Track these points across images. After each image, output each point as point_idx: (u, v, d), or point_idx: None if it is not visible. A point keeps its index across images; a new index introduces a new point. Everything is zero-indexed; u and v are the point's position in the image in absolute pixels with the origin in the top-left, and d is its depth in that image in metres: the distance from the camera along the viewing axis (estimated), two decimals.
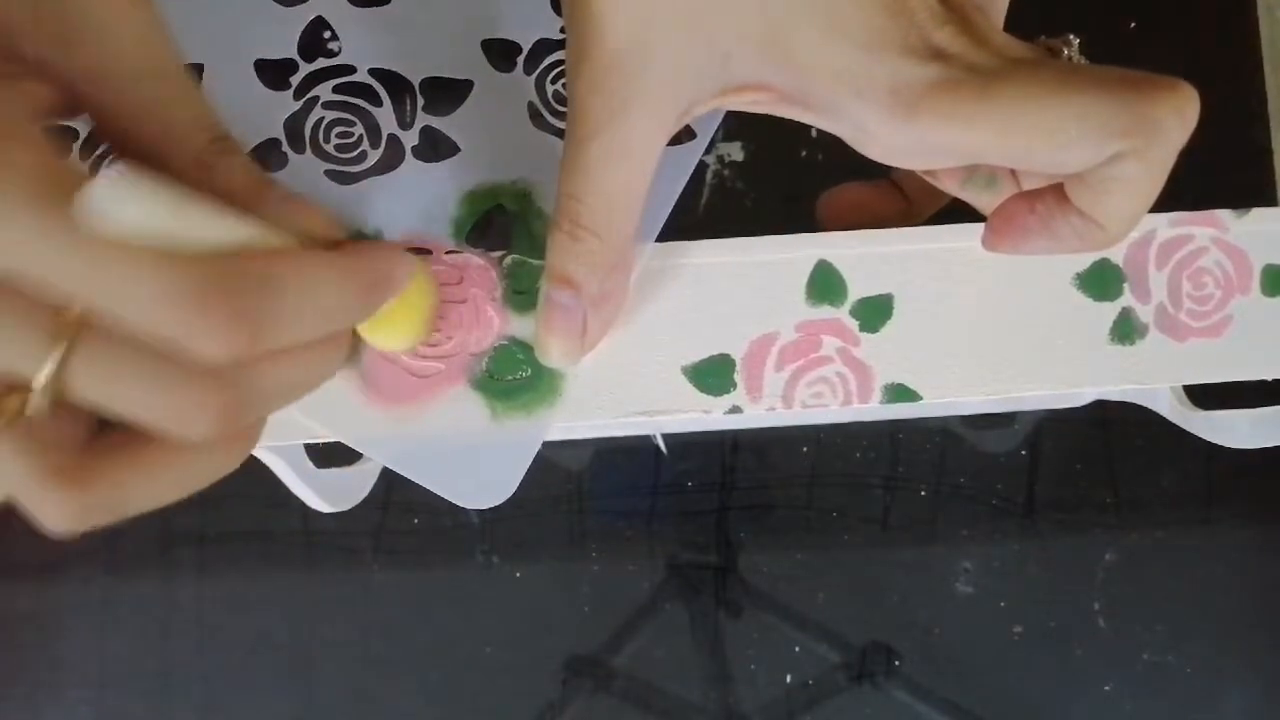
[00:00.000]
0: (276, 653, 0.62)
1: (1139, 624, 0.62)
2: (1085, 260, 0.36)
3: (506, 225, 0.35)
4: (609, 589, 0.62)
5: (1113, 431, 0.63)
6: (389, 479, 0.60)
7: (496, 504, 0.34)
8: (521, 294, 0.34)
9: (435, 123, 0.36)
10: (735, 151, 0.63)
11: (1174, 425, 0.57)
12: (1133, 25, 0.64)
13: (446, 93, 0.36)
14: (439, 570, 0.62)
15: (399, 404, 0.34)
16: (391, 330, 0.30)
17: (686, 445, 0.63)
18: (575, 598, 0.62)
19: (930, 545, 0.63)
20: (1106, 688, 0.62)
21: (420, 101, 0.36)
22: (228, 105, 0.27)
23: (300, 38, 0.36)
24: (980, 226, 0.32)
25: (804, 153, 0.63)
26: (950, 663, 0.62)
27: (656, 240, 0.36)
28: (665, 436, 0.63)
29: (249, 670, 0.62)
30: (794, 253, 0.36)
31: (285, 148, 0.36)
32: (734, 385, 0.36)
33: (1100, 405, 0.63)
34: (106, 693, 0.62)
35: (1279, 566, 0.63)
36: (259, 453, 0.41)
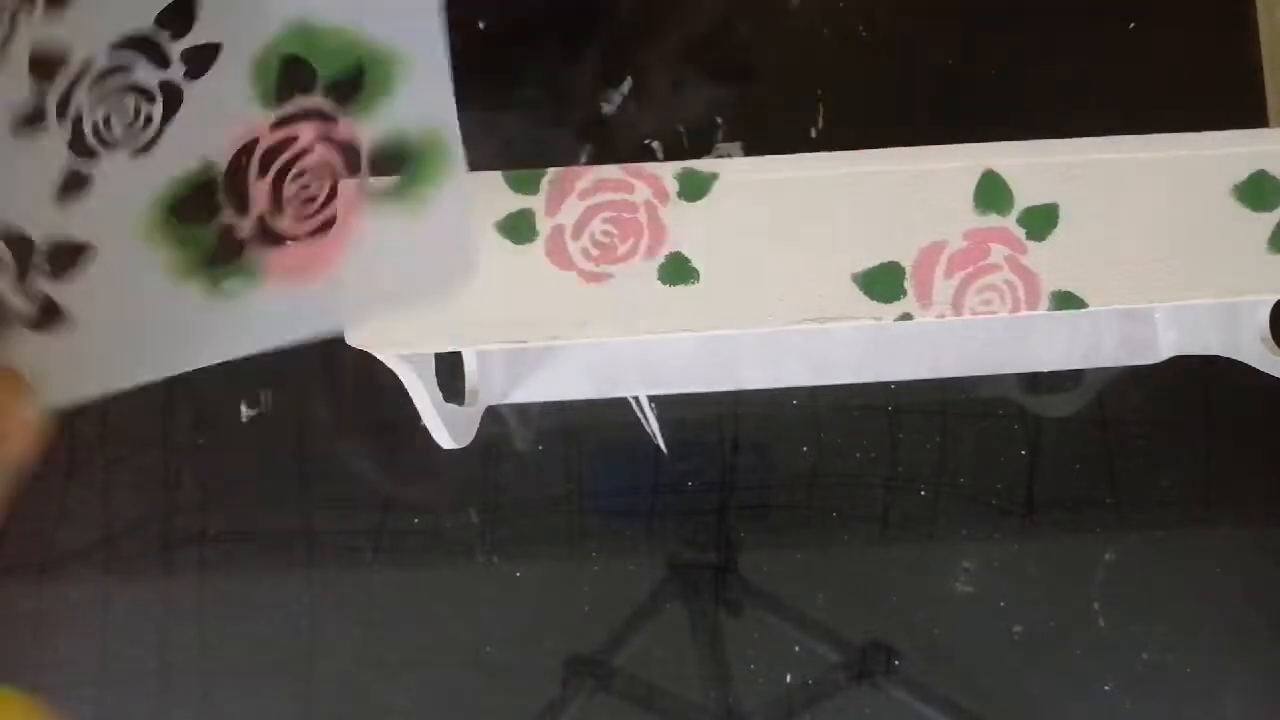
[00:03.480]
0: (276, 653, 0.62)
1: (1139, 624, 0.62)
2: (1243, 171, 0.36)
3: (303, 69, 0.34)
4: (609, 589, 0.62)
5: (1112, 431, 0.63)
6: (390, 478, 0.60)
7: (467, 283, 0.32)
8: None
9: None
10: (735, 152, 0.63)
11: (1173, 425, 0.57)
12: (1132, 25, 0.64)
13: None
14: (439, 570, 0.62)
15: (323, 266, 0.33)
16: None
17: (686, 445, 0.63)
18: (575, 598, 0.62)
19: (930, 545, 0.63)
20: (1106, 688, 0.62)
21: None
22: None
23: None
24: (1145, 138, 0.32)
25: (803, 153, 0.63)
26: (950, 663, 0.62)
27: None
28: (665, 436, 0.62)
29: (249, 670, 0.62)
30: (960, 162, 0.36)
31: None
32: (904, 292, 0.36)
33: (1100, 405, 0.63)
34: (106, 693, 0.62)
35: (1279, 566, 0.63)
36: (401, 372, 0.41)
